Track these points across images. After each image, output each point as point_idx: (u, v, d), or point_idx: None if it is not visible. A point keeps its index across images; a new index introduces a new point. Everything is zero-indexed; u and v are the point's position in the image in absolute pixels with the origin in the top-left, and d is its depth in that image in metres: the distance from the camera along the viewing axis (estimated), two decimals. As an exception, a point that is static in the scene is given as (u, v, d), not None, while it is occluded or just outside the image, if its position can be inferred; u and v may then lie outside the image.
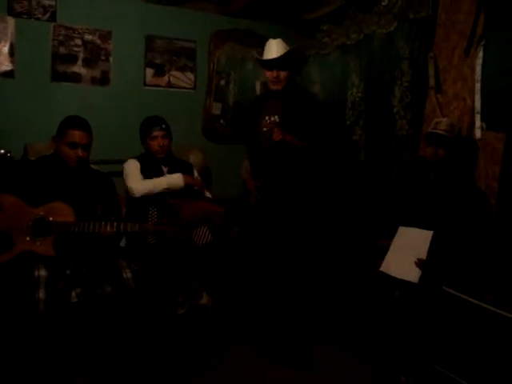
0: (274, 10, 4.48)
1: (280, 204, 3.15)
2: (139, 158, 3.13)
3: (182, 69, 4.40)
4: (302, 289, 3.24)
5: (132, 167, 3.09)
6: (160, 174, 3.09)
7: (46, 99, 3.85)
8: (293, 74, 3.16)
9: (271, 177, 3.19)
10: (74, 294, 2.55)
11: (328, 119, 3.52)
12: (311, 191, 3.24)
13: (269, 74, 3.12)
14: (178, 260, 2.96)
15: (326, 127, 3.29)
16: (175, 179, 3.03)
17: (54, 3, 3.77)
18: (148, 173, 3.07)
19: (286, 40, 3.14)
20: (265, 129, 3.18)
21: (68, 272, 2.58)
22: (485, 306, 2.44)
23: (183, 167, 3.24)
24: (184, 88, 4.44)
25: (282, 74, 3.08)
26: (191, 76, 4.46)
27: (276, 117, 3.16)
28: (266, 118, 3.20)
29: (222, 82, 4.59)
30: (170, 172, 3.13)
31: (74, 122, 2.66)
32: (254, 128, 3.27)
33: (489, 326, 2.48)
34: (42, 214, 2.53)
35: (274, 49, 3.07)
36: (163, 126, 3.08)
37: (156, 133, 3.06)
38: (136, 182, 2.99)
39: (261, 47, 3.28)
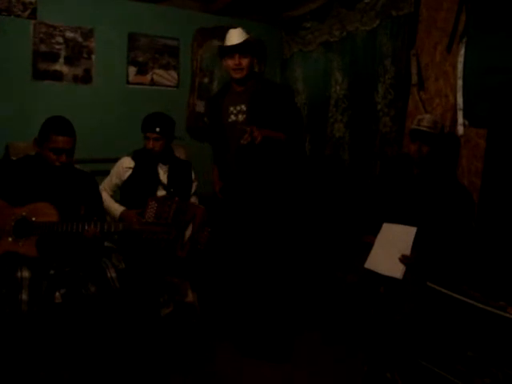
0: (256, 7, 4.48)
1: (250, 203, 3.14)
2: (136, 155, 3.18)
3: (165, 67, 4.38)
4: (281, 286, 3.24)
5: (115, 170, 3.19)
6: (155, 174, 3.13)
7: (27, 98, 3.80)
8: (253, 64, 3.16)
9: (241, 172, 3.16)
10: (58, 294, 2.52)
11: (295, 106, 3.53)
12: (283, 188, 3.24)
13: (230, 62, 3.09)
14: (164, 258, 2.95)
15: (296, 114, 3.30)
16: (115, 211, 3.08)
17: (34, 0, 3.72)
18: (143, 172, 3.12)
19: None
20: (230, 120, 3.16)
21: (52, 272, 2.54)
22: (469, 301, 2.46)
23: (181, 166, 3.29)
24: (167, 86, 4.41)
25: (244, 61, 3.06)
26: (174, 74, 4.43)
27: (243, 106, 3.13)
28: (231, 108, 3.16)
29: (206, 80, 4.57)
30: (170, 171, 3.18)
31: (58, 126, 2.56)
32: (218, 123, 3.24)
33: (473, 321, 2.51)
34: (24, 214, 2.50)
35: (235, 36, 3.06)
36: (157, 129, 3.06)
37: (148, 134, 3.08)
38: (104, 186, 3.19)
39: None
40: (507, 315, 2.32)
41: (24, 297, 2.33)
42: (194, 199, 3.29)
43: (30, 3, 3.71)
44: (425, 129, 2.78)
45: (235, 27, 3.10)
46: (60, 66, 3.90)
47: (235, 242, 3.19)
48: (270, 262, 3.13)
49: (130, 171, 3.14)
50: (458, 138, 2.98)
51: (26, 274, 2.39)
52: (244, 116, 3.12)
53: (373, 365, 2.71)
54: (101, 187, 3.11)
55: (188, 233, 2.99)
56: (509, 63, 2.65)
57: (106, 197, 3.11)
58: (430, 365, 2.64)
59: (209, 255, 3.14)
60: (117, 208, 3.07)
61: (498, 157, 2.75)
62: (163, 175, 3.16)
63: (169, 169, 3.19)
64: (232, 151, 3.17)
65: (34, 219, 2.49)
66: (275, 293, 3.16)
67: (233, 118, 3.16)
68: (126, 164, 3.15)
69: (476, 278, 2.63)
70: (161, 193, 3.12)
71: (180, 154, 3.47)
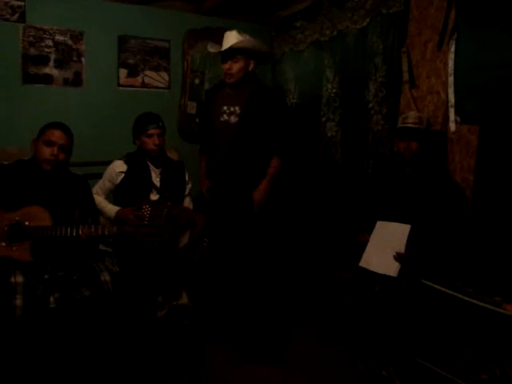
0: (247, 7, 4.48)
1: (239, 205, 3.14)
2: (128, 159, 3.11)
3: (156, 68, 4.36)
4: (275, 287, 3.24)
5: (108, 174, 3.12)
6: (148, 178, 3.07)
7: (17, 102, 3.77)
8: (247, 66, 3.12)
9: (229, 172, 3.16)
10: (52, 299, 2.51)
11: (287, 111, 3.52)
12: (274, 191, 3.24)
13: (222, 67, 3.11)
14: (158, 261, 2.93)
15: (287, 120, 3.32)
16: (110, 212, 3.02)
17: (22, 3, 3.69)
18: (136, 175, 3.06)
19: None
20: (222, 119, 3.15)
21: (46, 277, 2.53)
22: (464, 297, 2.47)
23: (175, 167, 3.24)
24: (158, 88, 4.40)
25: (234, 66, 3.06)
26: (165, 76, 4.42)
27: (236, 107, 3.12)
28: (224, 107, 3.16)
29: (197, 81, 4.56)
30: (163, 173, 3.13)
31: (54, 123, 2.63)
32: (209, 118, 3.24)
33: (469, 318, 2.52)
34: (17, 218, 2.48)
35: (225, 41, 3.05)
36: (160, 123, 3.05)
37: (152, 131, 3.02)
38: (97, 190, 3.12)
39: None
40: (502, 311, 2.33)
41: (18, 302, 2.31)
42: (188, 200, 3.28)
43: (19, 7, 3.68)
44: (411, 125, 2.82)
45: (226, 28, 3.09)
46: (50, 70, 3.88)
47: (227, 244, 3.18)
48: (262, 263, 3.13)
49: (123, 175, 3.08)
50: (445, 134, 2.99)
51: (19, 279, 2.37)
52: (236, 119, 3.12)
53: (369, 363, 2.71)
54: (94, 191, 3.08)
55: (184, 240, 2.99)
56: (499, 59, 2.65)
57: (100, 200, 3.07)
58: (426, 362, 2.64)
59: (203, 259, 3.13)
60: (111, 208, 3.03)
61: (490, 153, 2.76)
62: (156, 178, 3.12)
63: (161, 172, 3.14)
64: (221, 150, 3.15)
65: (27, 224, 2.48)
66: (269, 295, 3.15)
67: (225, 117, 3.15)
68: (119, 168, 3.09)
69: (471, 274, 2.63)
70: (154, 196, 3.07)
71: (173, 156, 3.45)
